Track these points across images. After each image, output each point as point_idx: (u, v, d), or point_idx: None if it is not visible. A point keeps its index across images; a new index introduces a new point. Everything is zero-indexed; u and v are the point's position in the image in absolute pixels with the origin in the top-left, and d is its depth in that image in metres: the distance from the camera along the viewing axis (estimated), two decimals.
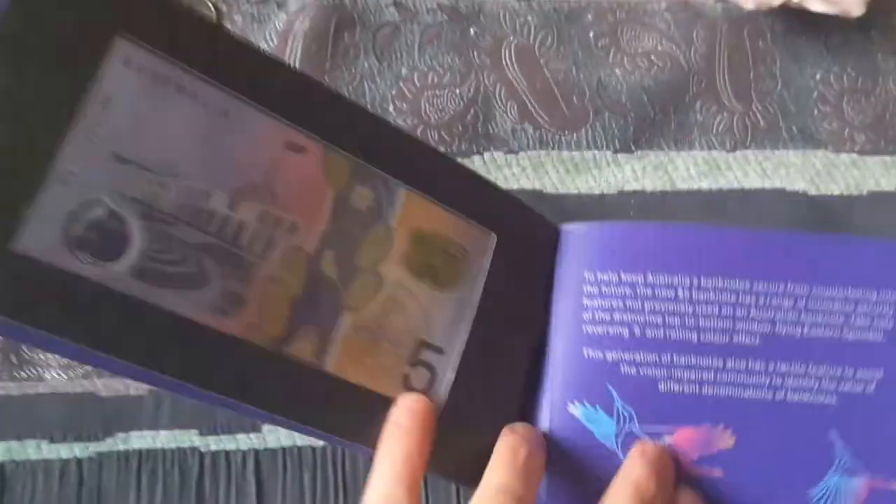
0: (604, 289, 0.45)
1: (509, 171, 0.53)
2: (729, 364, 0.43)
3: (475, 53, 0.54)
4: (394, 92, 0.53)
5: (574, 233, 0.47)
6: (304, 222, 0.38)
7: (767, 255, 0.44)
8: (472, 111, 0.53)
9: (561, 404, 0.44)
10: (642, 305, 0.44)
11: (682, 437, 0.43)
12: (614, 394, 0.43)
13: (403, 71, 0.53)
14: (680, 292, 0.43)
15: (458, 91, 0.53)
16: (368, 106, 0.52)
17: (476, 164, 0.52)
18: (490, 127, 0.53)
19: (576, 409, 0.44)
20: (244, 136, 0.37)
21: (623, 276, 0.44)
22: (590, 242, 0.46)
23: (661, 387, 0.43)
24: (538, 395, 0.45)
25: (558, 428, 0.44)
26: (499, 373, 0.44)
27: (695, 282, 0.43)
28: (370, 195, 0.40)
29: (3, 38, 0.31)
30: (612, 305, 0.44)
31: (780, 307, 0.43)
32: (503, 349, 0.44)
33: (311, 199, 0.38)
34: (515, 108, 0.54)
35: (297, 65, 0.52)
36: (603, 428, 0.43)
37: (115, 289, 0.33)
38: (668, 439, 0.43)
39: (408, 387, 0.41)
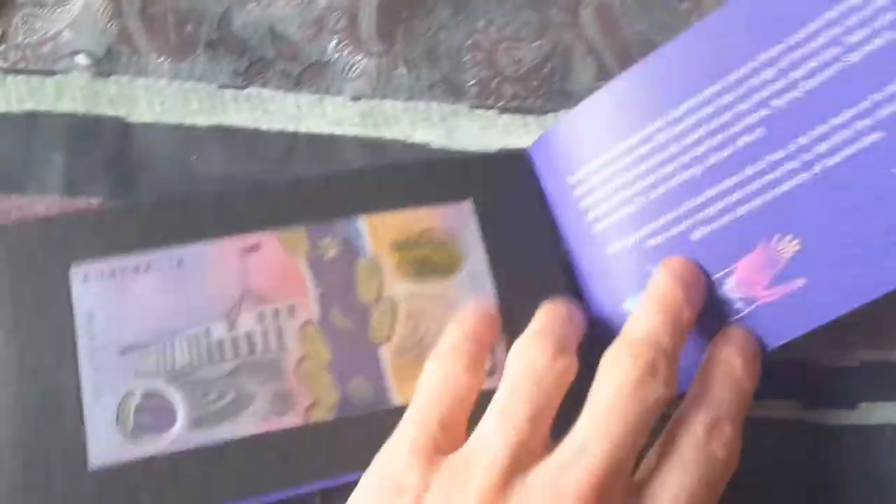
0: (591, 181, 0.44)
1: None
2: (747, 171, 0.40)
3: (553, 10, 0.53)
4: (469, 43, 0.52)
5: (537, 149, 0.47)
6: (297, 300, 0.41)
7: (712, 47, 0.41)
8: (548, 66, 0.52)
9: (615, 309, 0.44)
10: (631, 174, 0.43)
11: (745, 269, 0.40)
12: (655, 269, 0.42)
13: (480, 23, 0.53)
14: (657, 138, 0.42)
15: (534, 45, 0.53)
16: (443, 56, 0.52)
17: (549, 122, 0.51)
18: (567, 84, 0.52)
19: (630, 304, 0.43)
20: (205, 270, 0.41)
21: (601, 156, 0.44)
22: (555, 149, 0.46)
23: (695, 236, 0.41)
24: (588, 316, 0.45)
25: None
26: None
27: (663, 121, 0.42)
28: (335, 242, 0.43)
29: None
30: (605, 193, 0.44)
31: (763, 85, 0.39)
32: (535, 292, 0.43)
33: (289, 279, 0.42)
34: (594, 65, 0.52)
35: (374, 15, 0.53)
36: None
37: (184, 448, 0.38)
38: (731, 281, 0.41)
39: None
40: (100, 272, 0.40)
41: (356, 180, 0.45)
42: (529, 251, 0.45)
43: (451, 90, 0.51)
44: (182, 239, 0.42)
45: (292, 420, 0.39)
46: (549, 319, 0.40)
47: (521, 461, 0.35)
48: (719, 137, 0.41)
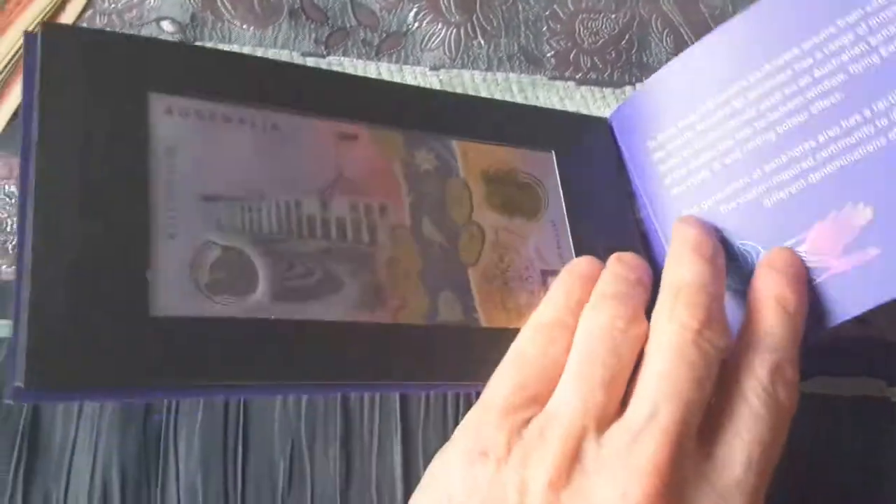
0: (669, 147, 0.44)
1: None
2: (821, 137, 0.40)
3: None
4: (547, 13, 0.53)
5: (619, 115, 0.47)
6: (390, 201, 0.39)
7: (790, 13, 0.41)
8: (626, 37, 0.53)
9: None
10: (708, 139, 0.43)
11: (816, 237, 0.40)
12: (728, 236, 0.42)
13: None
14: (734, 103, 0.42)
15: (612, 17, 0.53)
16: (522, 25, 0.52)
17: (627, 94, 0.51)
18: (644, 56, 0.53)
19: None
20: (300, 141, 0.38)
21: (679, 124, 0.44)
22: (635, 115, 0.46)
23: (767, 202, 0.41)
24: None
25: None
26: None
27: (740, 86, 0.42)
28: (431, 156, 0.41)
29: (59, 130, 0.32)
30: (683, 157, 0.44)
31: (840, 50, 0.39)
32: (611, 251, 0.43)
33: (383, 177, 0.40)
34: (671, 38, 0.53)
35: None
36: (736, 275, 0.41)
37: (266, 317, 0.34)
38: (802, 249, 0.40)
39: None
40: (185, 109, 0.36)
41: (451, 102, 0.45)
42: (606, 210, 0.45)
43: (530, 61, 0.51)
44: (278, 104, 0.38)
45: (382, 316, 0.37)
46: (622, 283, 0.39)
47: (596, 427, 0.34)
48: (795, 102, 0.41)
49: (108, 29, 0.47)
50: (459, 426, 0.36)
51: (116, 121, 0.34)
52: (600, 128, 0.48)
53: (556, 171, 0.45)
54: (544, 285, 0.41)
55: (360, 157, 0.39)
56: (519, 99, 0.50)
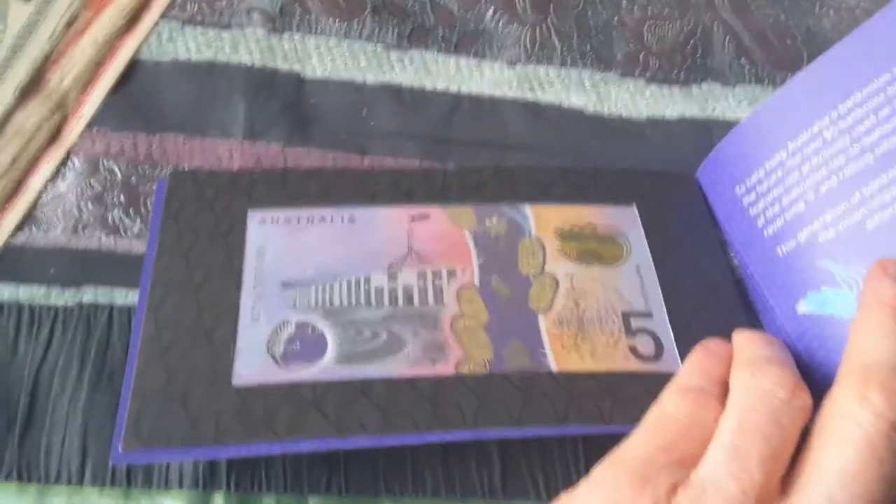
0: (759, 189, 0.44)
1: (725, 103, 0.53)
2: None
3: None
4: (615, 20, 0.56)
5: (705, 171, 0.48)
6: (459, 265, 0.43)
7: (879, 41, 0.41)
8: (691, 43, 0.55)
9: (788, 314, 0.42)
10: (801, 172, 0.42)
11: None
12: (829, 265, 0.40)
13: (624, 2, 0.57)
14: (825, 135, 0.42)
15: (677, 23, 0.56)
16: (593, 29, 0.55)
17: (693, 93, 0.53)
18: (708, 60, 0.55)
19: (805, 307, 0.41)
20: (374, 228, 0.44)
21: (767, 165, 0.44)
22: (722, 165, 0.47)
23: (870, 224, 0.39)
24: (755, 324, 0.43)
25: (799, 337, 0.41)
26: (710, 313, 0.43)
27: (832, 116, 0.42)
28: (501, 222, 0.45)
29: (173, 241, 0.42)
30: (774, 196, 0.43)
31: None
32: (701, 292, 0.44)
33: (453, 246, 0.44)
34: (733, 44, 0.55)
35: None
36: (842, 303, 0.39)
37: (330, 379, 0.38)
38: None
39: (637, 355, 0.41)
40: (275, 218, 0.43)
41: (524, 175, 0.47)
42: (696, 257, 0.45)
43: (601, 60, 0.54)
44: (356, 202, 0.44)
45: (444, 369, 0.39)
46: (776, 349, 0.37)
47: None
48: (892, 123, 0.40)
49: (199, 24, 0.52)
50: (586, 482, 0.33)
51: (220, 232, 0.43)
52: (685, 182, 0.48)
53: (640, 223, 0.45)
54: (627, 327, 0.42)
55: (431, 232, 0.44)
56: (592, 94, 0.52)
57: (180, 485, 0.40)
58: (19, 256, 0.45)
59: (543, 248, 0.44)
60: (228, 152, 0.48)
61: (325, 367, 0.39)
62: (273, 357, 0.39)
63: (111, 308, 0.43)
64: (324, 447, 0.37)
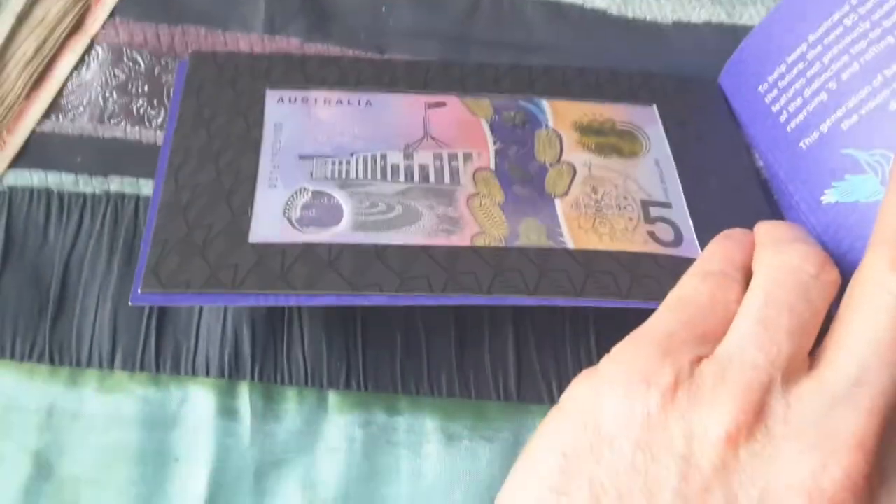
0: (781, 84, 0.44)
1: (754, 9, 0.51)
2: None
3: None
4: None
5: (726, 75, 0.48)
6: (475, 149, 0.43)
7: None
8: None
9: (813, 206, 0.41)
10: (822, 62, 0.42)
11: None
12: (853, 151, 0.40)
13: None
14: (845, 22, 0.41)
15: None
16: None
17: None
18: None
19: (830, 196, 0.40)
20: (390, 112, 0.44)
21: (788, 60, 0.44)
22: (743, 67, 0.47)
23: (893, 105, 0.38)
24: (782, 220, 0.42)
25: (825, 228, 0.40)
26: (733, 209, 0.43)
27: (852, 2, 0.41)
28: (519, 113, 0.45)
29: (193, 114, 0.43)
30: (797, 89, 0.43)
31: None
32: (723, 189, 0.43)
33: (469, 132, 0.43)
34: None
35: None
36: (867, 188, 0.39)
37: (346, 242, 0.38)
38: None
39: (657, 240, 0.40)
40: (293, 98, 0.44)
41: (543, 72, 0.47)
42: (717, 154, 0.45)
43: None
44: (374, 88, 0.45)
45: (458, 240, 0.39)
46: (800, 231, 0.36)
47: (783, 381, 0.30)
48: None
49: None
50: (607, 357, 0.32)
51: (239, 107, 0.43)
52: (708, 86, 0.48)
53: (659, 121, 0.45)
54: (646, 214, 0.41)
55: (447, 119, 0.44)
56: None
57: (207, 373, 0.41)
58: (47, 144, 0.45)
59: (560, 139, 0.44)
60: (249, 46, 0.48)
61: (341, 232, 0.39)
62: (289, 220, 0.39)
63: (137, 198, 0.44)
64: (340, 302, 0.37)
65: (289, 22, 0.49)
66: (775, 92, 0.44)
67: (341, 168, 0.41)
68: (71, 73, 0.47)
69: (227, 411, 0.40)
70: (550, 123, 0.44)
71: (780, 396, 0.29)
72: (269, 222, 0.39)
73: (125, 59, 0.47)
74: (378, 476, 0.39)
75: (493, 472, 0.40)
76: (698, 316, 0.32)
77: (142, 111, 0.46)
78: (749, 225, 0.39)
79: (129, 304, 0.36)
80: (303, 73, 0.45)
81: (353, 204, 0.40)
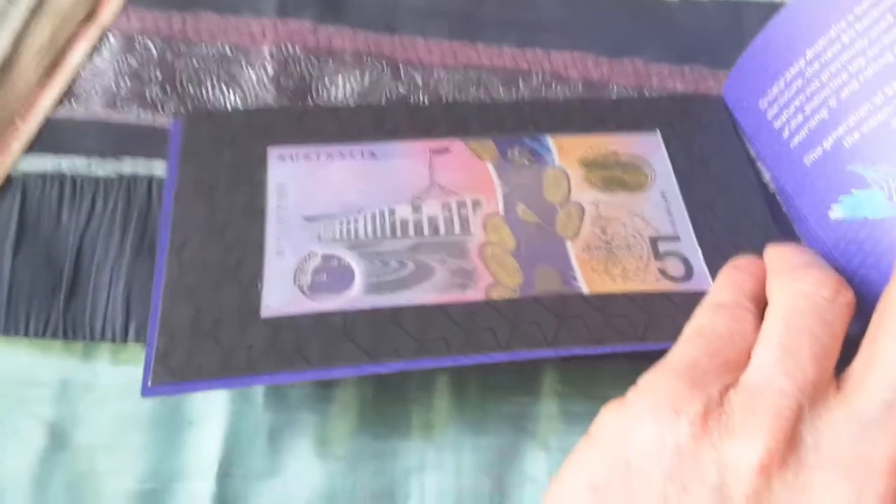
0: (781, 99, 0.43)
1: None
2: None
3: None
4: None
5: (729, 90, 0.47)
6: (483, 195, 0.42)
7: None
8: None
9: (822, 222, 0.41)
10: (821, 79, 0.41)
11: None
12: (858, 168, 0.39)
13: None
14: (843, 39, 0.41)
15: None
16: None
17: None
18: None
19: (838, 212, 0.40)
20: (395, 162, 0.43)
21: (787, 75, 0.43)
22: (743, 81, 0.46)
23: (895, 122, 0.38)
24: (791, 236, 0.43)
25: (835, 244, 0.40)
26: (741, 232, 0.42)
27: (848, 19, 0.41)
28: (523, 153, 0.44)
29: (193, 182, 0.42)
30: (797, 105, 0.42)
31: None
32: (730, 212, 0.43)
33: (476, 177, 0.43)
34: None
35: None
36: (874, 204, 0.38)
37: (360, 307, 0.38)
38: None
39: (668, 277, 0.40)
40: (294, 154, 0.43)
41: (544, 107, 0.46)
42: (724, 177, 0.44)
43: None
44: (376, 137, 0.44)
45: (474, 295, 0.38)
46: (811, 255, 0.36)
47: (811, 407, 0.29)
48: None
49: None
50: (633, 389, 0.32)
51: (240, 170, 0.42)
52: (710, 103, 0.47)
53: (663, 148, 0.45)
54: (655, 251, 0.41)
55: (452, 165, 0.43)
56: None
57: None
58: (60, 129, 0.46)
59: (568, 178, 0.43)
60: (261, 30, 0.48)
61: (354, 298, 0.38)
62: (300, 288, 0.38)
63: (150, 179, 0.44)
64: (358, 373, 0.37)
65: (301, 4, 0.49)
66: (776, 108, 0.44)
67: (349, 228, 0.41)
68: (84, 61, 0.47)
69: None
70: (557, 161, 0.44)
71: (809, 423, 0.29)
72: (280, 293, 0.38)
73: (137, 46, 0.48)
74: (392, 431, 0.40)
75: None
76: (719, 346, 0.32)
77: (154, 97, 0.46)
78: (759, 247, 0.39)
79: (141, 397, 0.36)
80: (302, 127, 0.44)
81: (364, 265, 0.39)
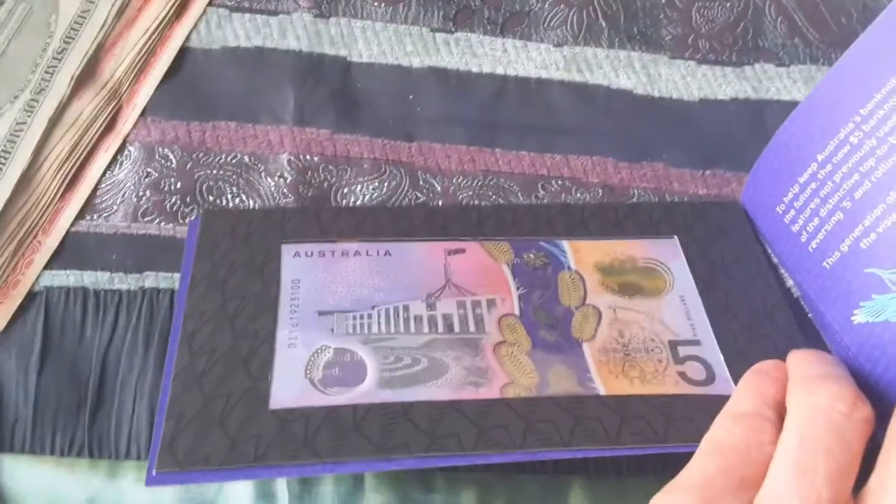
0: (796, 204, 0.43)
1: (780, 83, 0.52)
2: None
3: None
4: (664, 1, 0.54)
5: (747, 190, 0.47)
6: (498, 295, 0.42)
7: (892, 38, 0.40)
8: (741, 25, 0.53)
9: (845, 326, 0.40)
10: (834, 181, 0.41)
11: None
12: (876, 270, 0.39)
13: None
14: (852, 140, 0.41)
15: (727, 5, 0.54)
16: (640, 11, 0.54)
17: (748, 73, 0.51)
18: (760, 41, 0.53)
19: (860, 316, 0.39)
20: (410, 260, 0.43)
21: (800, 180, 0.43)
22: (760, 187, 0.46)
23: None
24: (817, 340, 0.42)
25: (860, 348, 0.39)
26: (764, 337, 0.42)
27: (856, 120, 0.41)
28: (539, 255, 0.44)
29: (207, 274, 0.42)
30: (812, 209, 0.42)
31: None
32: (752, 317, 0.42)
33: (491, 277, 0.43)
34: (785, 24, 0.54)
35: None
36: (895, 306, 0.38)
37: (372, 402, 0.37)
38: None
39: (688, 380, 0.39)
40: (309, 252, 0.43)
41: (560, 211, 0.46)
42: (744, 281, 0.44)
43: (649, 44, 0.52)
44: (391, 236, 0.44)
45: (488, 393, 0.38)
46: (830, 365, 0.35)
47: None
48: None
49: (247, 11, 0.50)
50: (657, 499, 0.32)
51: (254, 265, 0.42)
52: (729, 209, 0.47)
53: (681, 253, 0.45)
54: (674, 355, 0.41)
55: (468, 265, 0.43)
56: (642, 75, 0.51)
57: None
58: (82, 243, 0.45)
59: (584, 281, 0.43)
60: (279, 138, 0.48)
61: (366, 392, 0.38)
62: (311, 381, 0.38)
63: (172, 291, 0.44)
64: (368, 468, 0.37)
65: (318, 113, 0.49)
66: (793, 212, 0.44)
67: (363, 323, 0.40)
68: (104, 173, 0.47)
69: (265, 495, 0.40)
70: (572, 265, 0.44)
71: None
72: (291, 385, 0.38)
73: (157, 156, 0.48)
74: None
75: None
76: (735, 461, 0.32)
77: (175, 207, 0.46)
78: (782, 352, 0.38)
79: (146, 486, 0.35)
80: (318, 225, 0.44)
81: (376, 360, 0.39)
